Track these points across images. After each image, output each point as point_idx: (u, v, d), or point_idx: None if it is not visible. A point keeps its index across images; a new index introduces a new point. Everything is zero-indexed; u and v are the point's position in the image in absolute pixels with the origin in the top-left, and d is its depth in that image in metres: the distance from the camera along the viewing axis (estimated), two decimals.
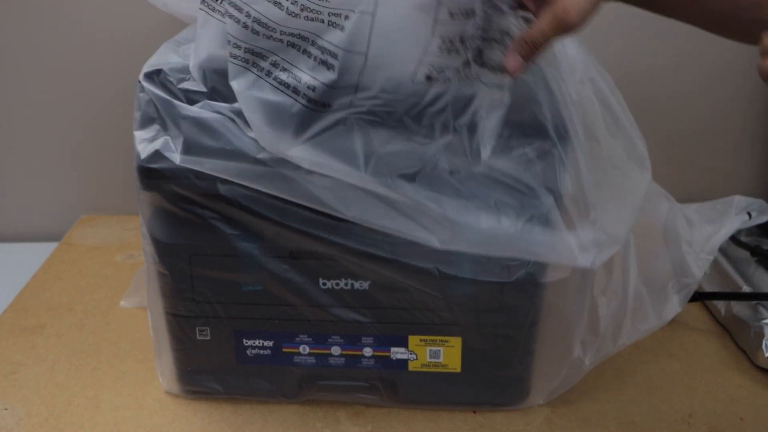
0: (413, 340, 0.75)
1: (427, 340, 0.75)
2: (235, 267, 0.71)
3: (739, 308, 0.90)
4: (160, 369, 0.82)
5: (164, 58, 0.71)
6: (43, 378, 0.87)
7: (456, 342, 0.73)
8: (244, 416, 0.80)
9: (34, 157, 1.22)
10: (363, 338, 0.75)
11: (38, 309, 1.00)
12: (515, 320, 0.72)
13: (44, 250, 1.15)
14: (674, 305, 0.81)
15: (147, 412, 0.81)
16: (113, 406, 0.82)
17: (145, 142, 0.68)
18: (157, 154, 0.67)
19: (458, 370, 0.76)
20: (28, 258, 1.14)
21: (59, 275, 1.09)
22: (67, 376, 0.87)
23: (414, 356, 0.76)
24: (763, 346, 0.83)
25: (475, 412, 0.79)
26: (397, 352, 0.76)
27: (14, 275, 1.08)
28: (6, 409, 0.82)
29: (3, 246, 1.22)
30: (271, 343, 0.77)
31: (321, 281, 0.71)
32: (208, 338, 0.77)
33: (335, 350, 0.77)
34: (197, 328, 0.77)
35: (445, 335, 0.74)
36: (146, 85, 0.68)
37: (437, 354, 0.76)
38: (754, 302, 0.88)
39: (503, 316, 0.72)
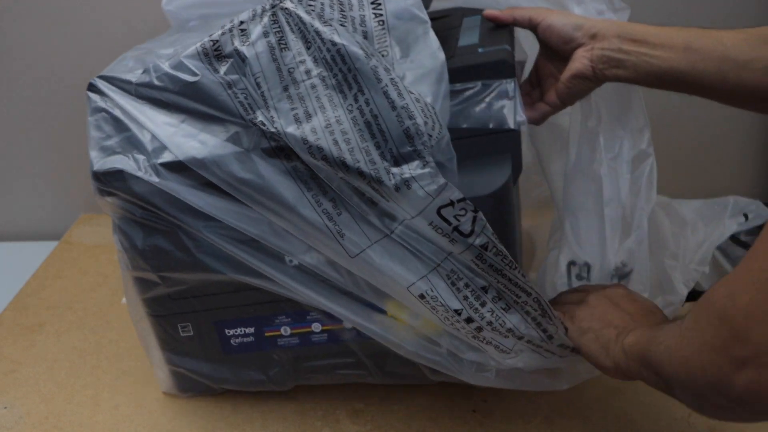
0: (391, 304, 0.72)
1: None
2: (200, 260, 0.71)
3: None
4: (156, 372, 0.82)
5: (119, 66, 0.72)
6: (43, 377, 0.87)
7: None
8: (244, 415, 0.80)
9: (35, 156, 1.22)
10: None
11: (38, 307, 1.01)
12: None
13: (44, 248, 1.15)
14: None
15: (147, 411, 0.81)
16: (113, 405, 0.82)
17: (98, 149, 0.68)
18: (110, 162, 0.67)
19: (440, 330, 0.73)
20: (28, 257, 1.14)
21: (59, 274, 1.09)
22: (66, 375, 0.87)
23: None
24: None
25: (474, 411, 0.79)
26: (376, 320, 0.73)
27: (14, 274, 1.09)
28: (6, 407, 0.82)
29: (3, 245, 1.22)
30: (252, 330, 0.76)
31: (287, 259, 0.70)
32: (191, 333, 0.77)
33: (316, 327, 0.76)
34: (179, 325, 0.77)
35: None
36: (95, 90, 0.69)
37: (417, 316, 0.72)
38: None
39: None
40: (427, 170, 0.61)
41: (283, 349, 0.77)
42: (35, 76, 1.16)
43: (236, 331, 0.77)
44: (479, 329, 0.68)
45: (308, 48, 0.63)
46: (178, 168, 0.66)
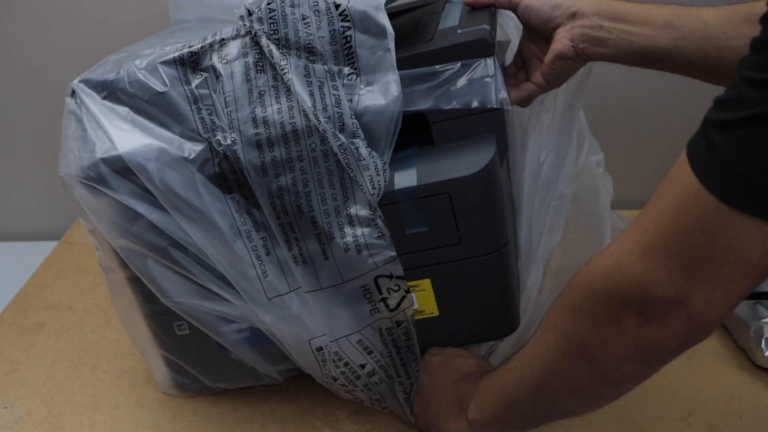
0: None
1: None
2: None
3: (738, 307, 0.89)
4: (154, 373, 0.83)
5: (99, 69, 0.72)
6: (43, 376, 0.87)
7: (425, 284, 0.70)
8: (244, 414, 0.80)
9: (35, 156, 1.22)
10: None
11: (38, 307, 1.01)
12: (476, 249, 0.68)
13: (44, 248, 1.15)
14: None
15: (147, 411, 0.81)
16: (113, 405, 0.82)
17: (71, 151, 0.70)
18: (92, 165, 0.68)
19: (436, 313, 0.73)
20: (28, 257, 1.14)
21: (59, 274, 1.09)
22: (66, 375, 0.87)
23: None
24: (763, 345, 0.83)
25: None
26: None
27: (14, 274, 1.09)
28: (6, 407, 0.82)
29: (3, 245, 1.22)
30: (248, 326, 0.75)
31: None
32: (187, 332, 0.77)
33: None
34: (174, 324, 0.76)
35: (412, 280, 0.69)
36: (74, 95, 0.70)
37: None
38: (753, 301, 0.88)
39: (463, 248, 0.67)
40: (381, 241, 0.63)
41: (272, 345, 0.76)
42: (35, 76, 1.16)
43: (232, 327, 0.76)
44: (352, 392, 0.73)
45: (284, 75, 0.63)
46: (126, 173, 0.66)
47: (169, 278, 0.70)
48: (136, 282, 0.74)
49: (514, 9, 0.73)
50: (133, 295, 0.75)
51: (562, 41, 0.69)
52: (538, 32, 0.72)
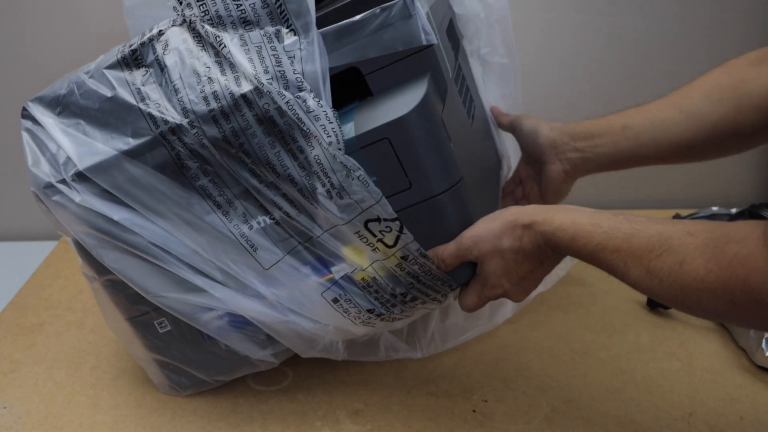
0: (347, 251, 0.70)
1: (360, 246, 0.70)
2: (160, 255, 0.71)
3: None
4: (150, 375, 0.83)
5: (54, 87, 0.73)
6: (43, 376, 0.87)
7: (390, 237, 0.67)
8: (243, 415, 0.80)
9: None
10: None
11: (38, 307, 1.01)
12: (428, 190, 0.66)
13: (44, 248, 1.15)
14: (505, 312, 0.86)
15: (146, 411, 0.81)
16: (112, 405, 0.82)
17: (37, 166, 0.72)
18: (60, 181, 0.69)
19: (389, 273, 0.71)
20: (27, 256, 1.14)
21: (59, 273, 1.09)
22: (66, 375, 0.87)
23: (356, 267, 0.71)
24: (763, 345, 0.83)
25: (474, 411, 0.79)
26: (340, 271, 0.71)
27: (14, 274, 1.09)
28: (5, 407, 0.82)
29: (3, 245, 1.22)
30: (223, 312, 0.74)
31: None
32: (169, 328, 0.77)
33: None
34: (155, 323, 0.77)
35: None
36: (26, 114, 0.72)
37: (373, 258, 0.71)
38: None
39: (415, 191, 0.66)
40: (360, 184, 0.63)
41: (256, 325, 0.75)
42: (34, 77, 1.15)
43: (212, 315, 0.75)
44: (393, 320, 0.74)
45: (222, 50, 0.64)
46: (92, 184, 0.67)
47: (149, 275, 0.71)
48: (112, 288, 0.74)
49: (513, 131, 0.88)
50: (112, 302, 0.76)
51: (553, 172, 0.84)
52: (528, 154, 0.88)
